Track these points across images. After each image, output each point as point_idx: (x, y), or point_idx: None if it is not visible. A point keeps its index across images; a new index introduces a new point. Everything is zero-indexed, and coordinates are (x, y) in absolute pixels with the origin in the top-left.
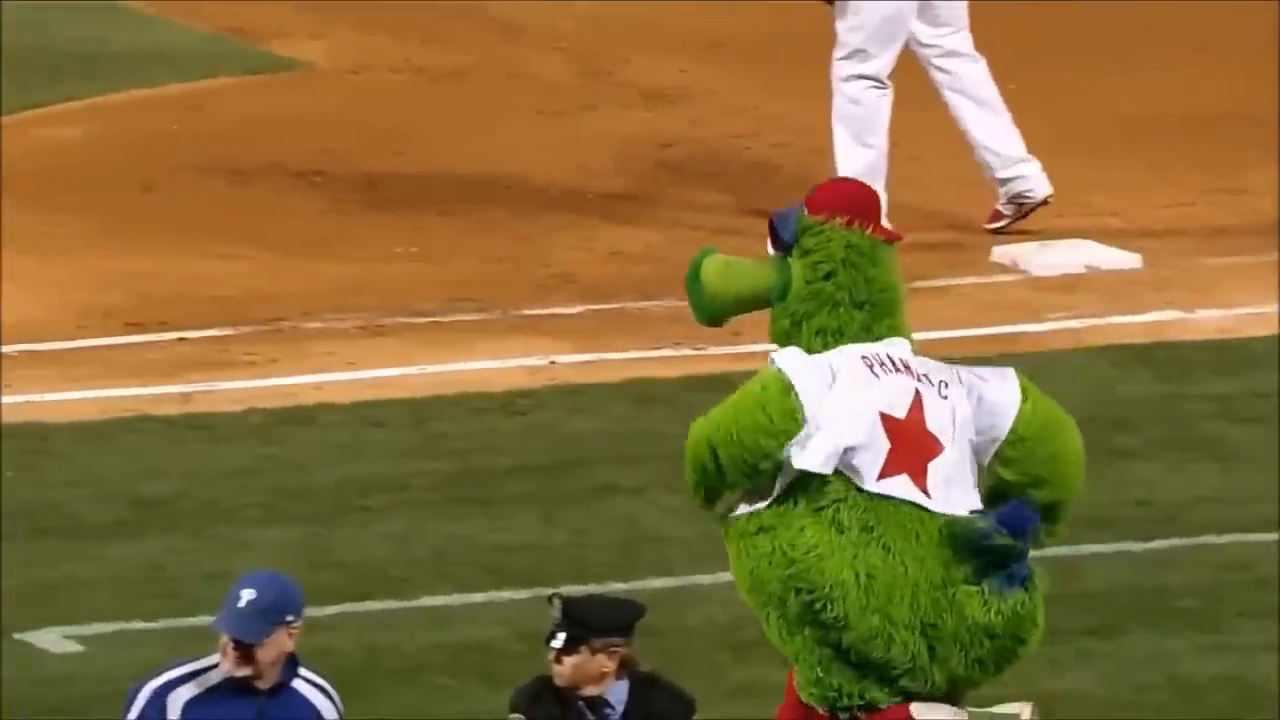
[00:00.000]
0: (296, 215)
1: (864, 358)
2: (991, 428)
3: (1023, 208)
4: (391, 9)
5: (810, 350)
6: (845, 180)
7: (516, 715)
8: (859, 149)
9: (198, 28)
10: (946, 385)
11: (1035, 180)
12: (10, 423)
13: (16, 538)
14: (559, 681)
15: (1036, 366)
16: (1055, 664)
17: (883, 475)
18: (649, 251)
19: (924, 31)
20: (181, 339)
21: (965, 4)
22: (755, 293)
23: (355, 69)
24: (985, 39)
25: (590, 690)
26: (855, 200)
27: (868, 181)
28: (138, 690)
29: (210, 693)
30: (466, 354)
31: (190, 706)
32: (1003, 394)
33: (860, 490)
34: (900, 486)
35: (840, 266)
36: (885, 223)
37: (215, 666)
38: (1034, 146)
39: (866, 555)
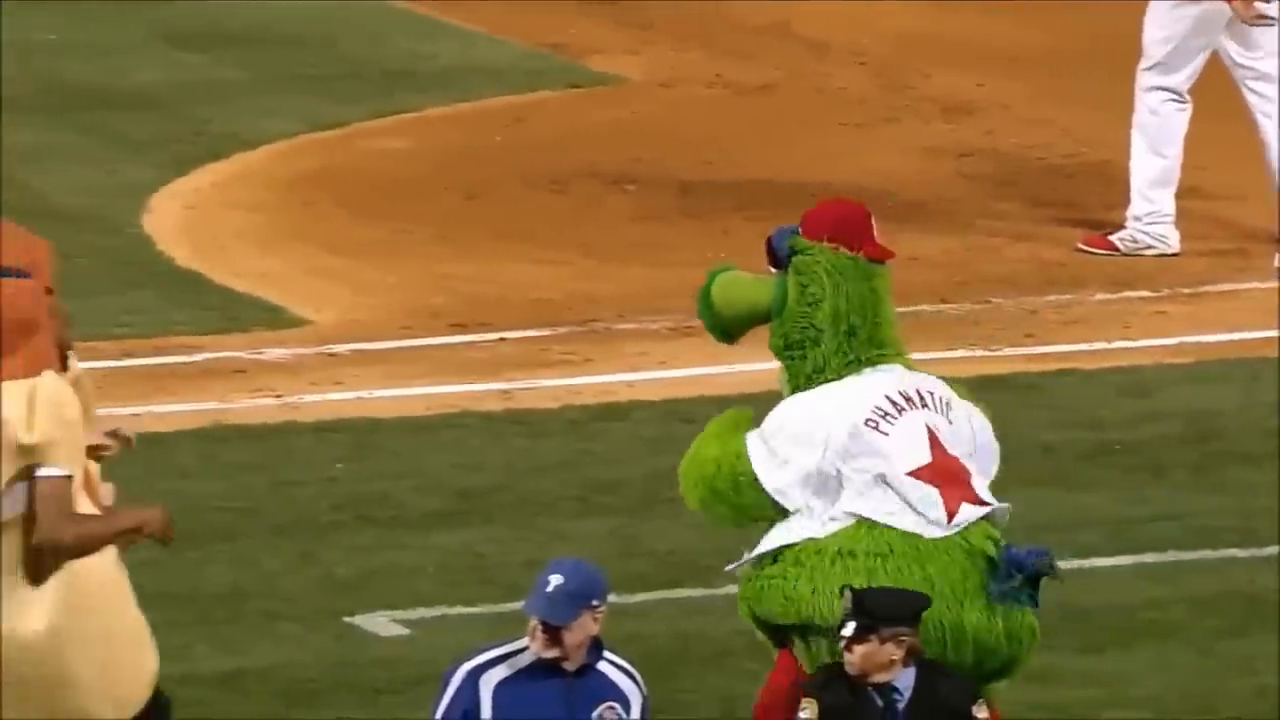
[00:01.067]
0: (612, 222)
1: (868, 420)
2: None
3: None
4: (704, 27)
5: (799, 374)
6: (836, 201)
7: (808, 700)
8: (1153, 158)
9: (520, 44)
10: (949, 406)
11: None
12: (342, 417)
13: (347, 527)
14: (850, 669)
15: None
16: None
17: (950, 513)
18: (946, 257)
19: (1237, 51)
20: (502, 339)
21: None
22: (753, 309)
23: (668, 83)
24: None
25: (879, 677)
26: (841, 221)
27: (1159, 189)
28: (453, 672)
29: (520, 674)
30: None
31: (501, 687)
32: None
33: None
34: (969, 512)
35: (825, 290)
36: (878, 240)
37: (525, 649)
38: None
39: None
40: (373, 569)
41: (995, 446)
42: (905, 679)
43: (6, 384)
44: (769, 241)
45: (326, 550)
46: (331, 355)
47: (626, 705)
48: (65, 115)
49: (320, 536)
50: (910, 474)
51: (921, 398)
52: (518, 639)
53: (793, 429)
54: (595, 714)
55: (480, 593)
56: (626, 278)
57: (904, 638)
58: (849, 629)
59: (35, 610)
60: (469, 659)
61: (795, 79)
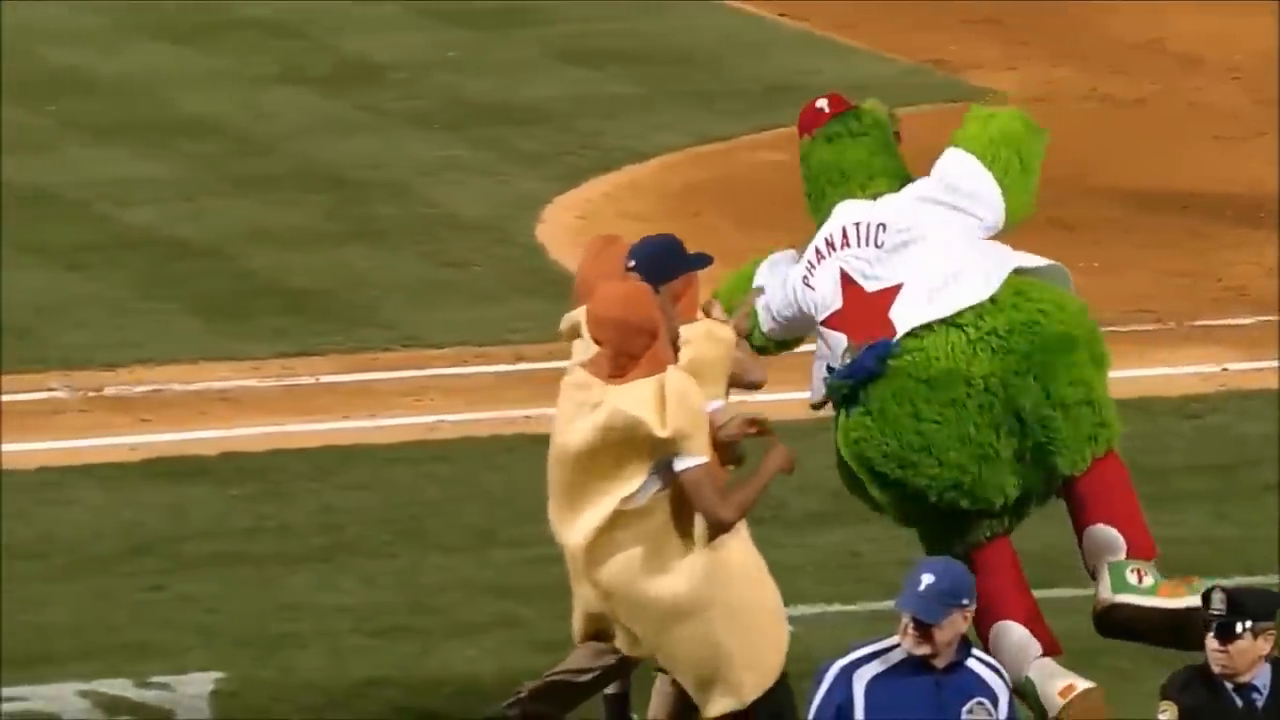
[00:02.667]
0: None
1: (804, 278)
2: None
3: None
4: (1080, 43)
5: None
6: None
7: (1167, 704)
8: None
9: (901, 59)
10: (882, 228)
11: None
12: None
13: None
14: (1217, 668)
15: None
16: None
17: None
18: None
19: None
20: None
21: None
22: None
23: (1043, 97)
24: None
25: (1243, 677)
26: (802, 116)
27: None
28: (826, 668)
29: (891, 670)
30: (1144, 362)
31: (874, 683)
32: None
33: None
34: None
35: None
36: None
37: (897, 646)
38: None
39: None
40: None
41: (980, 188)
42: (1262, 676)
43: (635, 384)
44: None
45: None
46: None
47: (995, 702)
48: (465, 130)
49: None
50: (823, 323)
51: (845, 237)
52: (890, 636)
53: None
54: (964, 710)
55: (857, 590)
56: None
57: (1271, 634)
58: (1221, 628)
59: (678, 578)
60: (842, 655)
61: (1168, 93)
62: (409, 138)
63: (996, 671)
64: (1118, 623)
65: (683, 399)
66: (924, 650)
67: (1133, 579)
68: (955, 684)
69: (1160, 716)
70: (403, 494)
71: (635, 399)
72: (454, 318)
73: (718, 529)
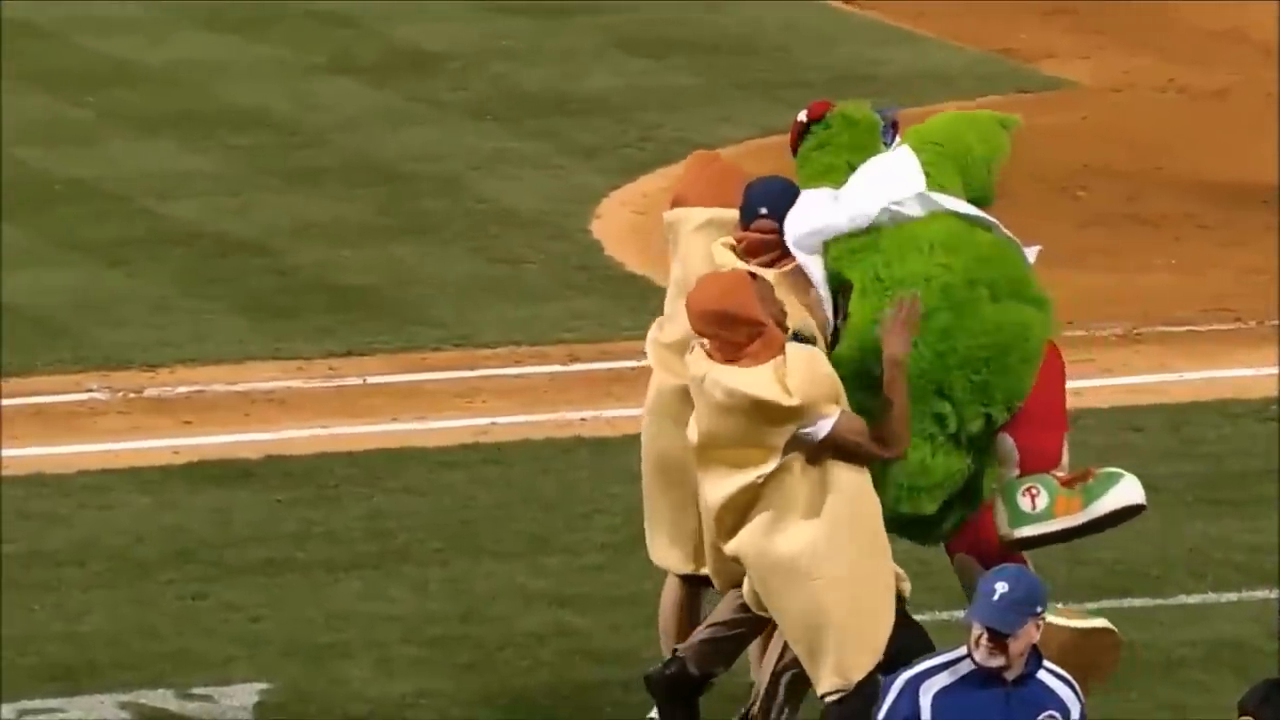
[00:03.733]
0: (1060, 226)
1: None
2: None
3: None
4: (1157, 32)
5: None
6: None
7: (1245, 718)
8: None
9: (971, 49)
10: None
11: None
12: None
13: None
14: None
15: None
16: None
17: None
18: None
19: None
20: None
21: None
22: None
23: (1119, 88)
24: None
25: None
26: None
27: None
28: (893, 679)
29: (960, 682)
30: (1223, 362)
31: (941, 695)
32: None
33: None
34: None
35: None
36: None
37: (965, 657)
38: None
39: None
40: None
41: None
42: None
43: (748, 370)
44: None
45: None
46: None
47: (1067, 715)
48: (521, 122)
49: None
50: None
51: None
52: (958, 647)
53: None
54: None
55: (927, 600)
56: (1074, 283)
57: None
58: None
59: (796, 540)
60: (910, 667)
61: (1249, 84)
62: (461, 129)
63: (1068, 684)
64: (1023, 548)
65: (808, 365)
66: (998, 662)
67: (1025, 504)
68: (1026, 697)
69: None
70: (454, 499)
71: (753, 380)
72: (506, 316)
73: (893, 460)
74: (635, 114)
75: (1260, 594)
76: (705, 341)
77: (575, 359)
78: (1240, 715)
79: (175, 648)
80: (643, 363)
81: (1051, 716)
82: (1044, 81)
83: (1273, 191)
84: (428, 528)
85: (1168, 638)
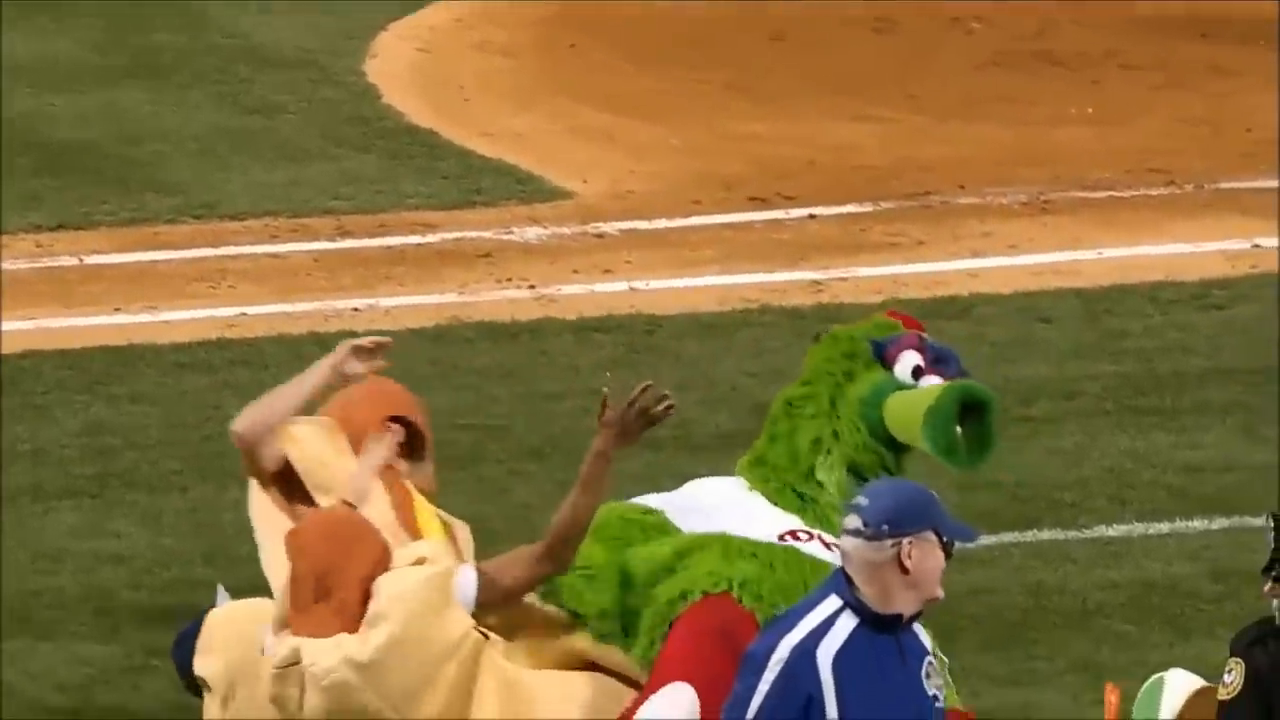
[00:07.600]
0: (950, 69)
1: None
2: None
3: None
4: None
5: None
6: None
7: (1234, 660)
8: None
9: None
10: None
11: None
12: (612, 314)
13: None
14: None
15: None
16: None
17: None
18: None
19: None
20: (812, 216)
21: None
22: None
23: None
24: None
25: None
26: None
27: None
28: (766, 651)
29: (851, 641)
30: (1151, 235)
31: (840, 659)
32: None
33: None
34: None
35: None
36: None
37: (842, 609)
38: None
39: None
40: None
41: None
42: None
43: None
44: None
45: None
46: (599, 236)
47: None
48: None
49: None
50: None
51: None
52: (815, 596)
53: None
54: (922, 675)
55: None
56: (968, 139)
57: None
58: None
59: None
60: (778, 630)
61: None
62: None
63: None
64: None
65: (398, 600)
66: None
67: None
68: (908, 643)
69: (1227, 675)
70: (195, 409)
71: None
72: (259, 180)
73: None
74: None
75: (1197, 524)
76: None
77: (345, 233)
78: (1231, 657)
79: None
80: (430, 239)
81: (930, 662)
82: None
83: (1212, 21)
84: (161, 445)
85: (1083, 579)
